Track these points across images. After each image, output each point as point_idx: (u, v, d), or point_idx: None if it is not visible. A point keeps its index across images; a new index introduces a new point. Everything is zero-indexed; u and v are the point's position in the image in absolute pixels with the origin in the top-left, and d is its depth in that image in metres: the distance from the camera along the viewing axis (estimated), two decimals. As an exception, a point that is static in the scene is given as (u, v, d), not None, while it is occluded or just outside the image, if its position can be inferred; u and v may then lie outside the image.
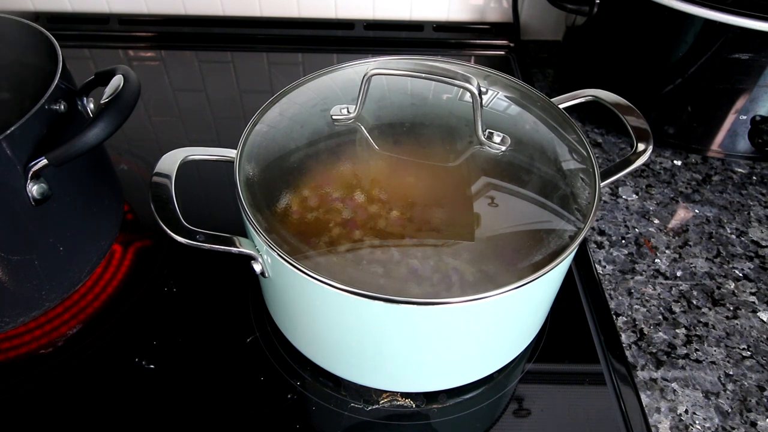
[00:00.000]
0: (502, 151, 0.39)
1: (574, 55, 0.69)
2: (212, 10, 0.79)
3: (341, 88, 0.44)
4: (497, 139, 0.39)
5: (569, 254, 0.35)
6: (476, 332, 0.37)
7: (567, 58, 0.71)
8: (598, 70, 0.65)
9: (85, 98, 0.45)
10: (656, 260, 0.52)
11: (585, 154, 0.41)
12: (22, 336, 0.45)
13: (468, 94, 0.38)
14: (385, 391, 0.42)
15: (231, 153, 0.40)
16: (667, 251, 0.53)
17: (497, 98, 0.43)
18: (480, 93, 0.37)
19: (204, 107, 0.68)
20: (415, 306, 0.32)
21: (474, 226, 0.35)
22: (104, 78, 0.42)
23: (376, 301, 0.32)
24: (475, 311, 0.34)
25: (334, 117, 0.41)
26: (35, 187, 0.38)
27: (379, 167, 0.39)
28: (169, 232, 0.35)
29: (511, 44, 0.78)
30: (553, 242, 0.35)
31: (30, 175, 0.37)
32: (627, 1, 0.57)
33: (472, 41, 0.78)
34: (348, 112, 0.41)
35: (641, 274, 0.51)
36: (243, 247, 0.36)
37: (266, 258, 0.36)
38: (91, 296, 0.48)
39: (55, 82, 0.39)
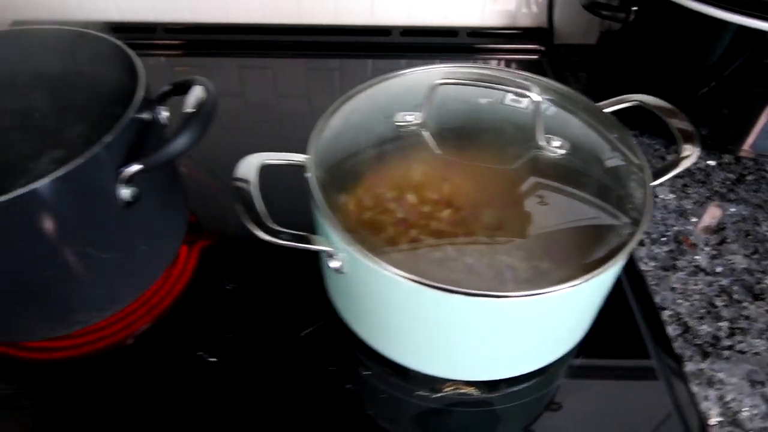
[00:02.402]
0: (560, 155, 0.41)
1: (608, 59, 0.71)
2: (252, 18, 0.82)
3: (402, 94, 0.47)
4: (556, 143, 0.41)
5: (628, 250, 0.37)
6: (539, 324, 0.39)
7: (601, 62, 0.73)
8: (633, 73, 0.67)
9: (158, 107, 0.48)
10: (696, 257, 0.54)
11: (635, 155, 0.43)
12: (104, 330, 0.48)
13: (524, 101, 0.40)
14: (450, 380, 0.44)
15: (302, 157, 0.43)
16: (705, 248, 0.55)
17: (550, 104, 0.46)
18: (541, 101, 0.40)
19: (242, 111, 0.71)
20: (491, 299, 0.34)
21: (548, 225, 0.38)
22: (180, 89, 0.45)
23: (456, 295, 0.34)
24: (542, 305, 0.36)
25: (398, 123, 0.44)
26: (127, 191, 0.41)
27: (445, 170, 0.41)
28: (257, 232, 0.38)
29: (543, 48, 0.80)
30: (612, 241, 0.38)
31: (123, 180, 0.40)
32: (663, 8, 0.59)
33: (504, 46, 0.81)
34: (412, 118, 0.44)
35: (682, 270, 0.53)
36: (322, 245, 0.39)
37: (343, 255, 0.39)
38: (163, 292, 0.51)
39: (141, 93, 0.42)
